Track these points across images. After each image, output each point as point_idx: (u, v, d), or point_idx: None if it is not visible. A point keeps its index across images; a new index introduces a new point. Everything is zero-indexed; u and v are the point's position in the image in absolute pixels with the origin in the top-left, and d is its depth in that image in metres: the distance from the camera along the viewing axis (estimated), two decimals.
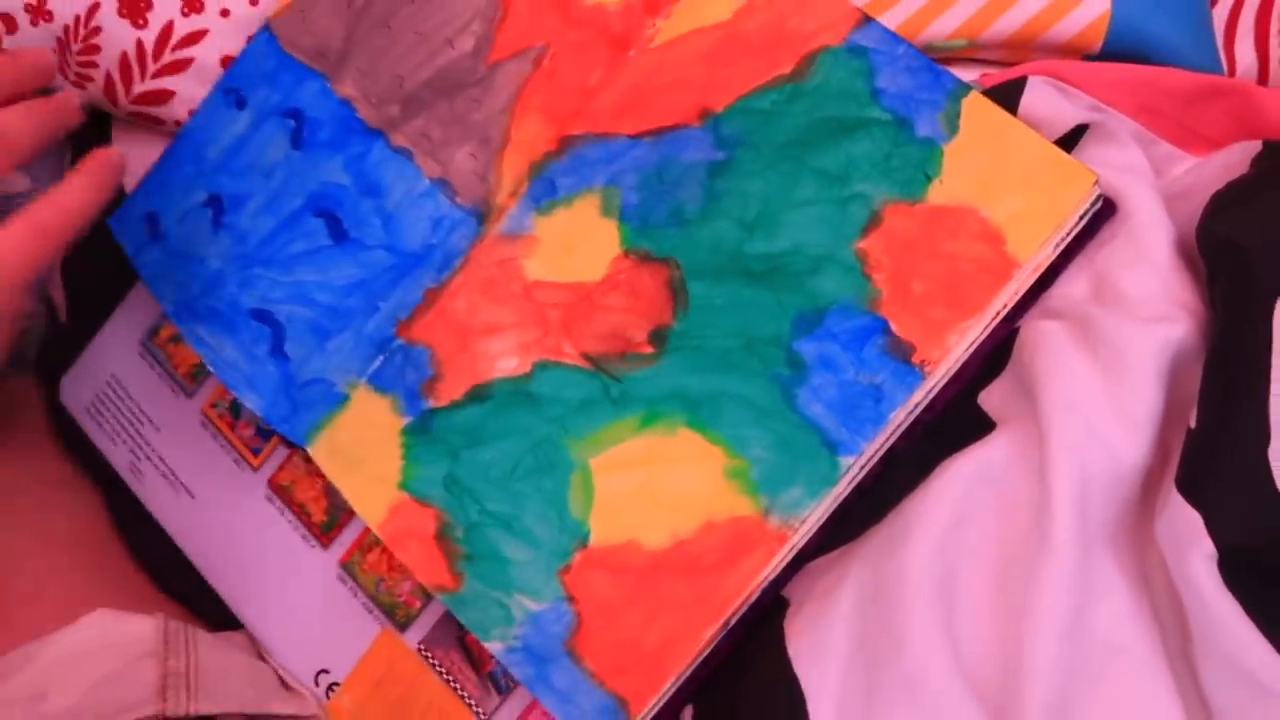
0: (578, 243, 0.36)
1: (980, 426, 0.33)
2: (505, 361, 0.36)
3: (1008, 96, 0.36)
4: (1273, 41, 0.38)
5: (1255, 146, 0.34)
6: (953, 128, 0.33)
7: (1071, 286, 0.33)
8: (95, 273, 0.47)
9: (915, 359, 0.32)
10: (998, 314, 0.32)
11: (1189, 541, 0.28)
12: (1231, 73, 0.39)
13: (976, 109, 0.33)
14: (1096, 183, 0.32)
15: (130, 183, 0.46)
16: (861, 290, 0.33)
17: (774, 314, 0.33)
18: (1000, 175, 0.32)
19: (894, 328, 0.32)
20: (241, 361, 0.39)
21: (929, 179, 0.33)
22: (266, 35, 0.42)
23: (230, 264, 0.40)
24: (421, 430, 0.36)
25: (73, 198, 0.37)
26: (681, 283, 0.35)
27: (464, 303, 0.37)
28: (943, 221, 0.32)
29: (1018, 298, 0.33)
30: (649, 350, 0.35)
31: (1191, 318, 0.32)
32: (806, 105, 0.34)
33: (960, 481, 0.31)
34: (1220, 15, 0.39)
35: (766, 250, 0.34)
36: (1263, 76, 0.38)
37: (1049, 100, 0.36)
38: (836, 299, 0.33)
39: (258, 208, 0.40)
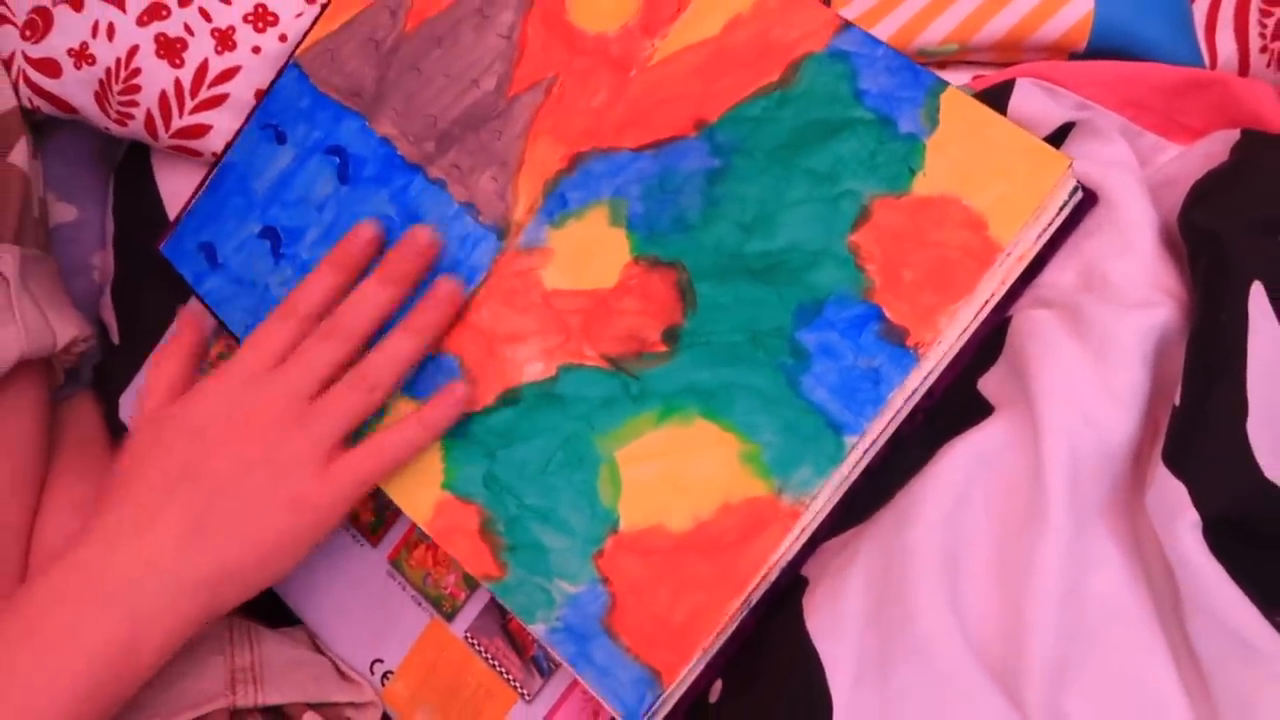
0: (590, 252, 0.38)
1: (979, 410, 0.35)
2: (532, 366, 0.38)
3: (997, 99, 0.38)
4: (1252, 32, 0.40)
5: (1234, 135, 0.36)
6: (933, 122, 0.35)
7: (1061, 276, 0.35)
8: (144, 297, 0.49)
9: (909, 342, 0.34)
10: (987, 302, 0.34)
11: (1176, 511, 0.30)
12: (1213, 63, 0.40)
13: (955, 103, 0.34)
14: (1071, 166, 0.33)
15: (171, 206, 0.49)
16: (856, 281, 0.35)
17: (776, 308, 0.35)
18: (980, 164, 0.34)
19: (888, 314, 0.34)
20: None
21: (913, 172, 0.34)
22: (297, 72, 0.45)
23: None
24: (459, 434, 0.39)
25: (412, 432, 0.38)
26: (689, 284, 0.37)
27: (488, 313, 0.39)
28: (928, 212, 0.34)
29: (1006, 287, 0.34)
30: (663, 348, 0.37)
31: (1175, 302, 0.33)
32: (794, 110, 0.36)
33: (961, 463, 0.33)
34: (1201, 8, 0.40)
35: (765, 249, 0.36)
36: (1243, 66, 0.40)
37: (1036, 101, 0.37)
38: (833, 290, 0.35)
39: (315, 239, 0.43)
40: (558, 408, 0.38)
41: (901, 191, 0.35)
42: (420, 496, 0.39)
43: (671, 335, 0.37)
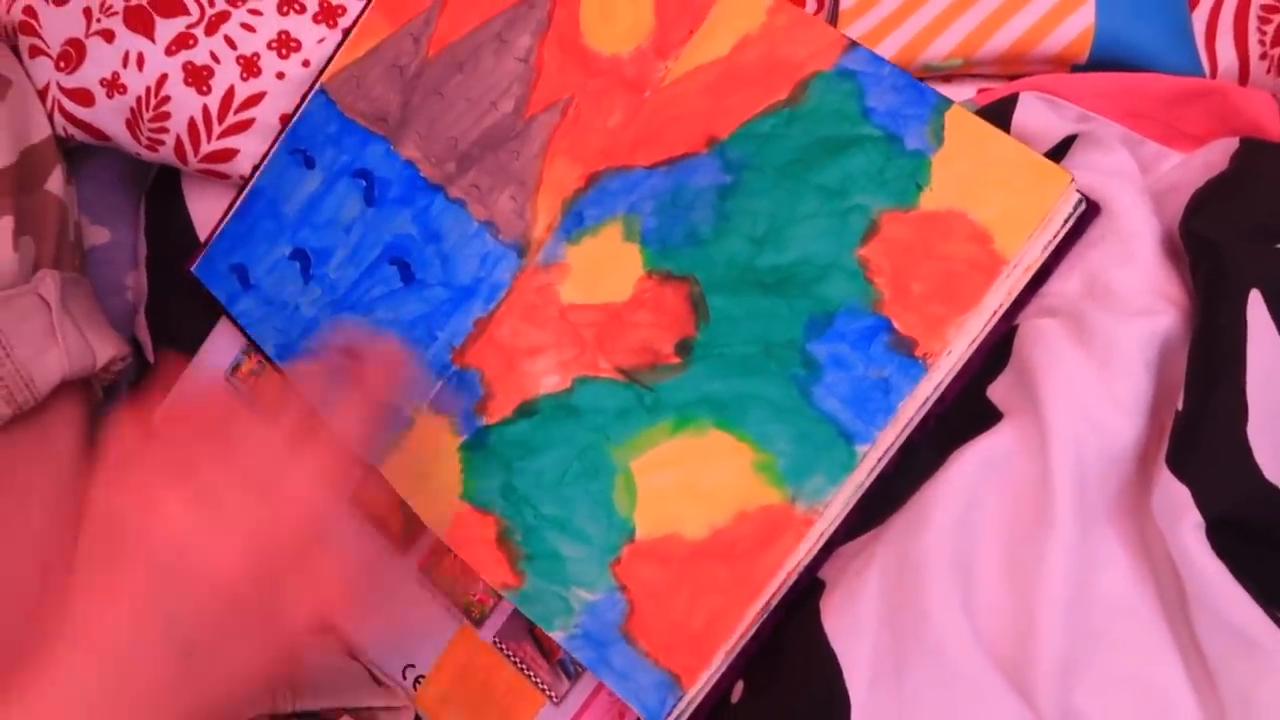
0: (605, 267, 0.39)
1: (988, 417, 0.35)
2: (548, 379, 0.39)
3: (1001, 113, 0.38)
4: (1251, 39, 0.40)
5: (1234, 143, 0.36)
6: (939, 139, 0.35)
7: (1066, 285, 0.36)
8: (177, 317, 0.51)
9: (918, 352, 0.35)
10: (995, 312, 0.35)
11: (1179, 513, 0.31)
12: (1214, 71, 0.40)
13: (959, 121, 0.35)
14: (1073, 181, 0.34)
15: (202, 228, 0.50)
16: (865, 293, 0.35)
17: (787, 320, 0.36)
18: (984, 180, 0.35)
19: (897, 326, 0.35)
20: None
21: (920, 188, 0.35)
22: (323, 98, 0.46)
23: (322, 311, 0.44)
24: (477, 446, 0.40)
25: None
26: (702, 297, 0.37)
27: (508, 328, 0.40)
28: (935, 226, 0.35)
29: (1013, 297, 0.35)
30: (676, 360, 0.38)
31: (1177, 309, 0.34)
32: (804, 127, 0.37)
33: (971, 469, 0.34)
34: (1201, 16, 0.41)
35: (776, 262, 0.37)
36: (1243, 74, 0.40)
37: (1039, 115, 0.38)
38: (843, 303, 0.36)
39: (342, 260, 0.44)
40: (573, 419, 0.38)
41: (909, 206, 0.35)
42: (440, 507, 0.40)
43: (684, 347, 0.38)
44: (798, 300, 0.36)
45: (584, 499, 0.38)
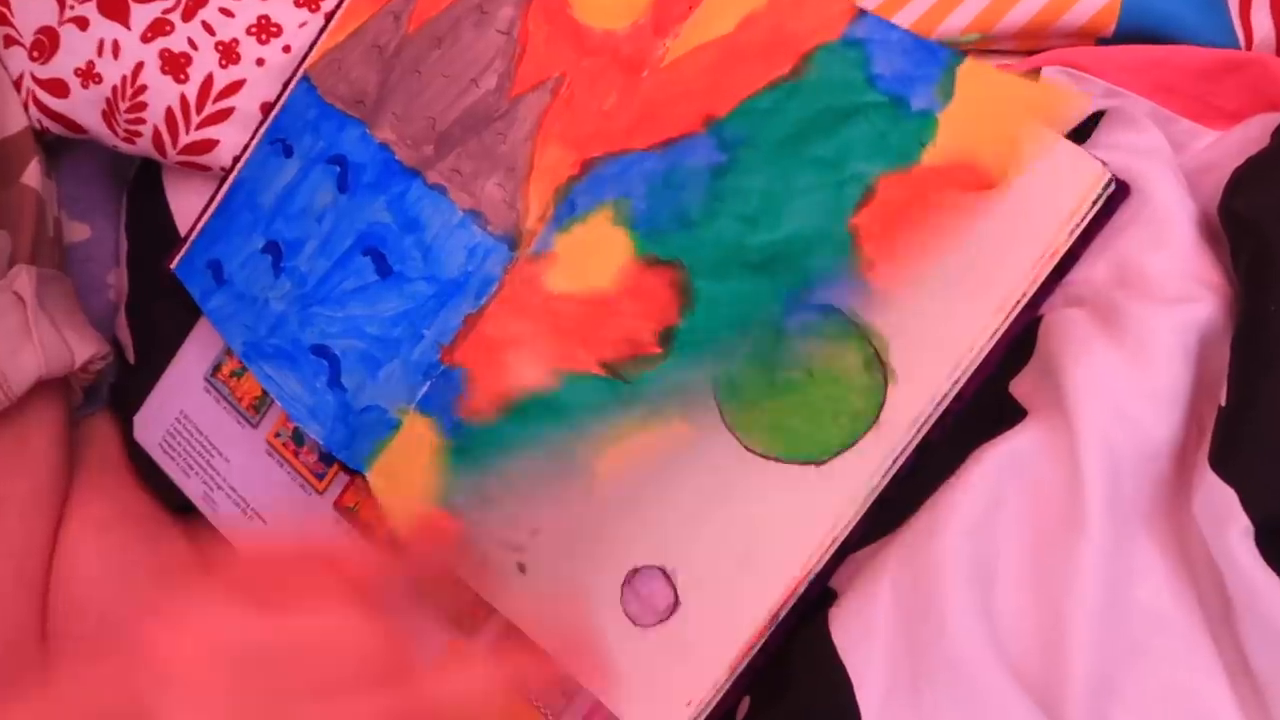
0: (592, 254, 0.37)
1: (1012, 414, 0.34)
2: (530, 374, 0.37)
3: None
4: None
5: (1275, 119, 0.34)
6: (948, 95, 0.33)
7: (1093, 272, 0.34)
8: (157, 315, 0.49)
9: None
10: (1018, 302, 0.33)
11: (1224, 517, 0.29)
12: (1249, 44, 0.38)
13: (971, 74, 0.33)
14: (1093, 96, 0.32)
15: (183, 222, 0.49)
16: (853, 260, 0.34)
17: (768, 298, 0.35)
18: (991, 120, 0.33)
19: (869, 279, 0.33)
20: (304, 394, 0.41)
21: (924, 145, 0.33)
22: (306, 85, 0.44)
23: (291, 305, 0.42)
24: (457, 447, 0.38)
25: None
26: (688, 283, 0.36)
27: (495, 324, 0.39)
28: (936, 178, 0.33)
29: (1035, 283, 0.33)
30: (657, 350, 0.36)
31: (1217, 296, 0.32)
32: (803, 100, 0.35)
33: (993, 469, 0.32)
34: None
35: (768, 239, 0.35)
36: None
37: None
38: (827, 272, 0.34)
39: (313, 251, 0.42)
40: (552, 416, 0.37)
41: (910, 164, 0.33)
42: (412, 512, 0.38)
43: (666, 336, 0.36)
44: (782, 276, 0.35)
45: None
